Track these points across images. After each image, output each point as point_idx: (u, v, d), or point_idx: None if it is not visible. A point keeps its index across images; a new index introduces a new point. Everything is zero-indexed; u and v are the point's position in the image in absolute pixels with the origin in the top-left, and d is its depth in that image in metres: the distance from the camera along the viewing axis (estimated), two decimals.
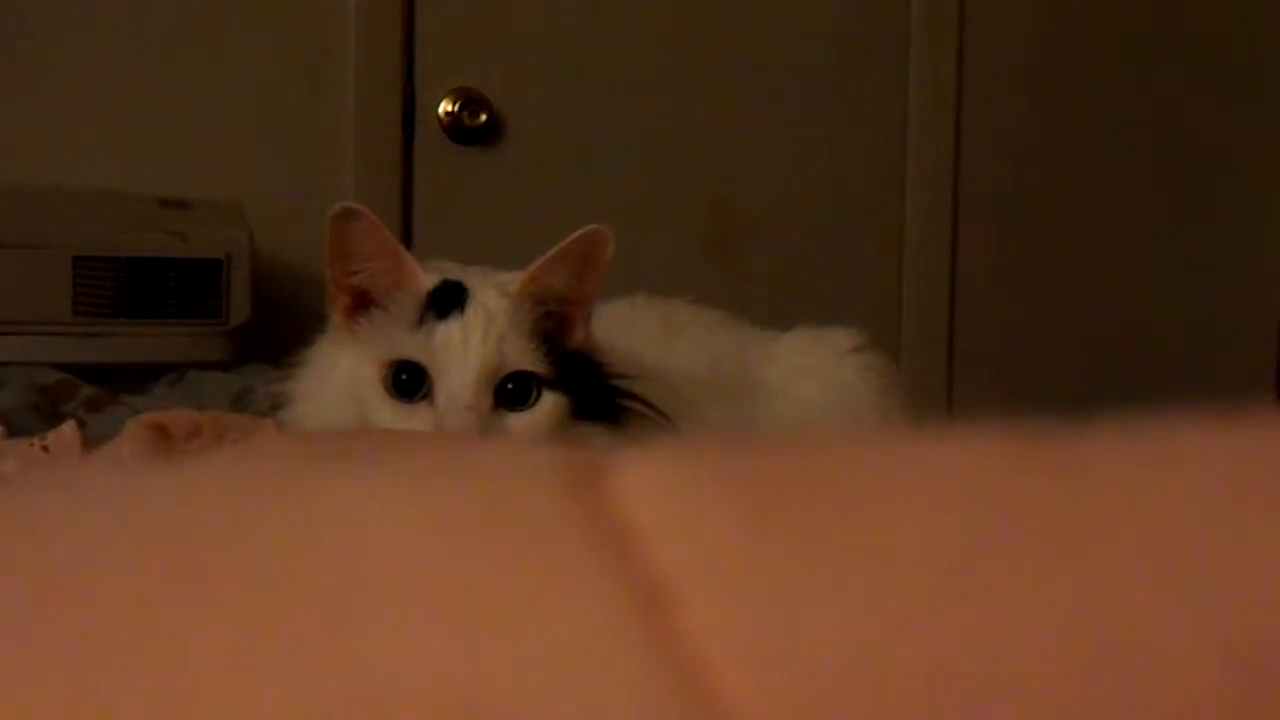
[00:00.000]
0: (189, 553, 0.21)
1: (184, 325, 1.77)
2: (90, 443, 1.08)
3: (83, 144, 2.04)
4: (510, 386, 0.94)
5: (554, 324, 0.97)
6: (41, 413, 1.33)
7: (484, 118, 2.20)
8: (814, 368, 1.21)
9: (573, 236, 0.95)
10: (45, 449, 1.03)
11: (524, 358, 0.95)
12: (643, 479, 0.23)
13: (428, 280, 0.96)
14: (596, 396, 0.98)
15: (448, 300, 0.95)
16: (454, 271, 0.99)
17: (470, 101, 2.20)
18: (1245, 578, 0.19)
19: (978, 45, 2.43)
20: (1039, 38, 2.49)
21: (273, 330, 1.41)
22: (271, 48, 2.12)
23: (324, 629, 0.19)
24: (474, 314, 0.94)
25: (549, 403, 0.95)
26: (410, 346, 0.94)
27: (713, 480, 0.22)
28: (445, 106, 2.19)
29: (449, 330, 0.93)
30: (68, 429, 1.10)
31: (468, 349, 0.93)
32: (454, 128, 2.20)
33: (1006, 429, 0.23)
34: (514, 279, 0.97)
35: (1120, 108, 2.55)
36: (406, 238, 2.09)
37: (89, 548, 0.21)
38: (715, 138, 2.33)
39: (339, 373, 0.97)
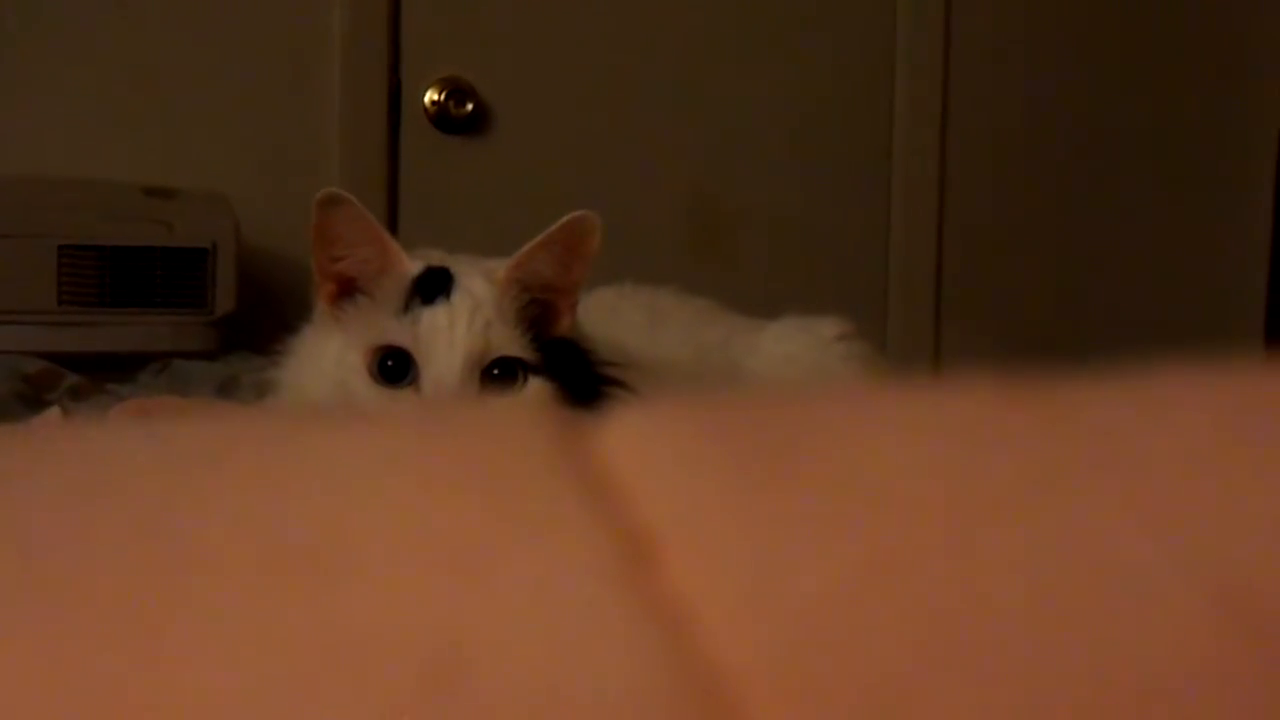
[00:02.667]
0: (166, 506, 0.21)
1: (169, 314, 1.76)
2: None
3: (68, 133, 2.03)
4: (496, 372, 0.94)
5: (540, 311, 0.97)
6: (26, 401, 1.32)
7: (470, 107, 2.20)
8: (799, 357, 1.21)
9: (560, 222, 0.94)
10: None
11: (510, 344, 0.94)
12: (627, 433, 0.23)
13: (413, 266, 0.96)
14: (582, 383, 0.98)
15: (433, 286, 0.94)
16: (440, 259, 0.99)
17: (456, 91, 2.19)
18: (1232, 519, 0.20)
19: (964, 31, 2.43)
20: (1026, 16, 2.48)
21: (258, 319, 1.40)
22: (257, 36, 2.11)
23: (305, 581, 0.19)
24: (460, 300, 0.94)
25: (535, 389, 0.95)
26: (396, 332, 0.93)
27: (697, 432, 0.23)
28: (431, 96, 2.19)
29: (435, 316, 0.93)
30: (52, 416, 1.10)
31: (454, 335, 0.93)
32: (440, 117, 2.19)
33: (993, 378, 0.23)
34: (500, 265, 0.97)
35: (1107, 90, 2.55)
36: (392, 227, 2.08)
37: (61, 503, 0.21)
38: (701, 128, 2.33)
39: (325, 360, 0.97)
